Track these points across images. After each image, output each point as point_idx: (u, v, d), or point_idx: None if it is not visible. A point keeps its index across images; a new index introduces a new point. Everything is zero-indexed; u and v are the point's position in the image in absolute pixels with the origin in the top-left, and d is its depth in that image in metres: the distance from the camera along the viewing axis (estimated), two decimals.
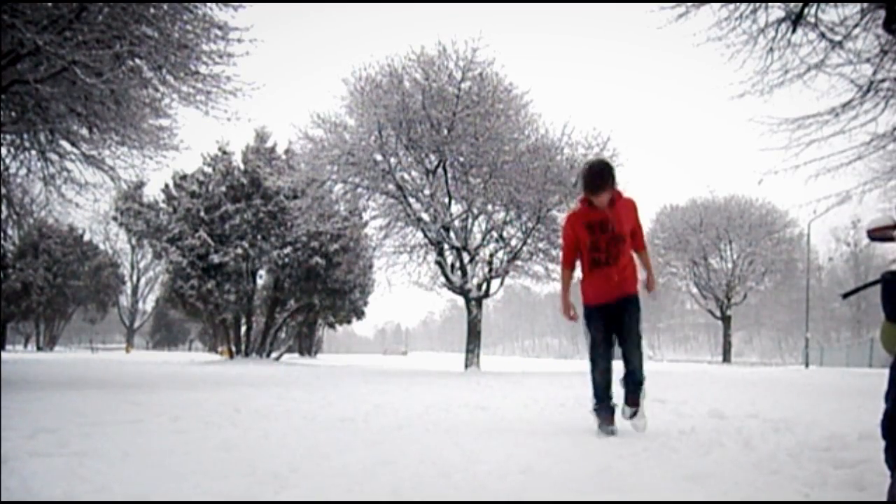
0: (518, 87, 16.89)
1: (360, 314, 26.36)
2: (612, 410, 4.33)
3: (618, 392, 4.38)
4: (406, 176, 17.16)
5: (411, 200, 17.04)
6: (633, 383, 4.36)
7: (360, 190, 17.43)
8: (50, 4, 8.38)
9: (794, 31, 9.51)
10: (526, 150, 16.34)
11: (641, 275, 4.66)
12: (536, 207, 16.79)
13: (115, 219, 27.03)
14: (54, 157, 11.41)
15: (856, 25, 9.20)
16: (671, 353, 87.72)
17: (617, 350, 4.42)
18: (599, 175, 4.20)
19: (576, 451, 3.52)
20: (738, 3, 9.41)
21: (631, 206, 4.43)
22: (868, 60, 9.70)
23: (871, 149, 11.38)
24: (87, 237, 41.83)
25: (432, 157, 16.76)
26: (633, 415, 4.38)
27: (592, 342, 4.41)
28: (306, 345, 33.55)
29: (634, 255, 4.56)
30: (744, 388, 9.05)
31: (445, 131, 15.98)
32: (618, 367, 4.36)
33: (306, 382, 9.55)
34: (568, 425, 4.66)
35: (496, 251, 18.04)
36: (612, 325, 4.38)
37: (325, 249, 22.69)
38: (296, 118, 51.97)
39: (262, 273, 24.91)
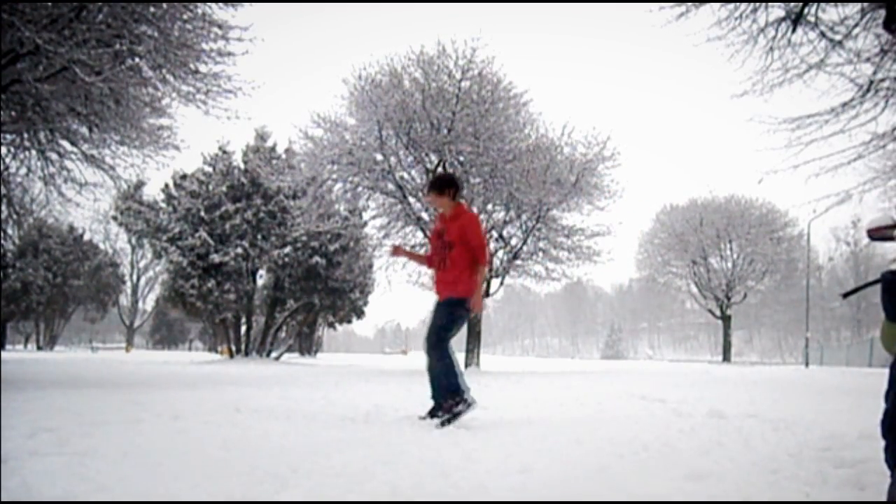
0: (517, 87, 16.91)
1: (360, 314, 26.37)
2: (438, 407, 4.73)
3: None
4: (406, 175, 17.16)
5: (411, 200, 17.04)
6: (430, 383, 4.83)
7: (360, 189, 17.42)
8: (50, 4, 8.37)
9: (794, 30, 9.51)
10: (526, 150, 16.34)
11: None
12: (536, 207, 16.79)
13: (114, 218, 27.08)
14: (54, 156, 11.41)
15: (856, 25, 9.19)
16: (671, 353, 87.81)
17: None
18: (433, 181, 4.98)
19: (576, 450, 3.52)
20: (738, 3, 9.41)
21: (467, 221, 4.81)
22: (868, 60, 9.69)
23: (871, 148, 11.38)
24: (86, 237, 41.86)
25: (432, 156, 16.76)
26: (433, 416, 4.73)
27: None
28: (306, 344, 33.57)
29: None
30: (744, 388, 9.05)
31: (445, 131, 15.97)
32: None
33: (306, 382, 9.55)
34: (568, 425, 4.66)
35: (496, 251, 18.03)
36: None
37: (325, 249, 22.70)
38: (296, 118, 52.02)
39: (262, 273, 24.92)
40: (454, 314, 4.71)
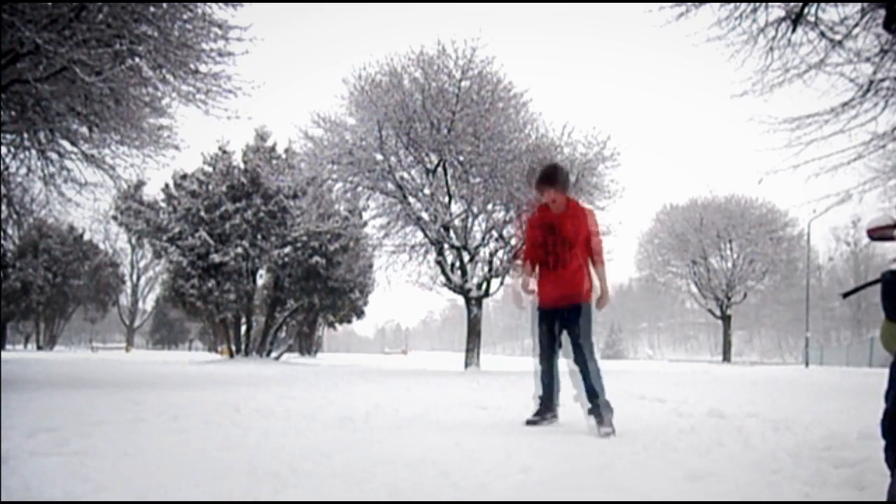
0: (517, 87, 16.90)
1: (360, 314, 26.37)
2: (547, 410, 4.60)
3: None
4: (406, 175, 17.15)
5: (411, 200, 17.04)
6: (590, 396, 4.41)
7: (360, 189, 17.42)
8: (50, 3, 8.37)
9: (794, 30, 9.51)
10: (526, 150, 16.33)
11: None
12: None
13: (115, 218, 27.05)
14: (54, 156, 11.41)
15: (856, 25, 9.20)
16: (671, 353, 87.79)
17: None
18: (543, 175, 4.51)
19: (576, 450, 3.52)
20: (738, 3, 9.41)
21: (583, 215, 4.53)
22: (868, 60, 9.70)
23: (871, 148, 11.39)
24: (86, 237, 41.80)
25: (432, 156, 16.76)
26: (605, 434, 4.37)
27: (539, 345, 4.63)
28: (306, 344, 33.55)
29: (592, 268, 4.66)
30: (744, 388, 9.05)
31: (445, 130, 15.97)
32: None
33: (306, 382, 9.55)
34: (568, 425, 4.66)
35: (496, 250, 18.03)
36: (559, 332, 4.52)
37: (325, 249, 22.69)
38: (296, 118, 51.97)
39: (262, 272, 24.91)
40: (590, 317, 4.49)
